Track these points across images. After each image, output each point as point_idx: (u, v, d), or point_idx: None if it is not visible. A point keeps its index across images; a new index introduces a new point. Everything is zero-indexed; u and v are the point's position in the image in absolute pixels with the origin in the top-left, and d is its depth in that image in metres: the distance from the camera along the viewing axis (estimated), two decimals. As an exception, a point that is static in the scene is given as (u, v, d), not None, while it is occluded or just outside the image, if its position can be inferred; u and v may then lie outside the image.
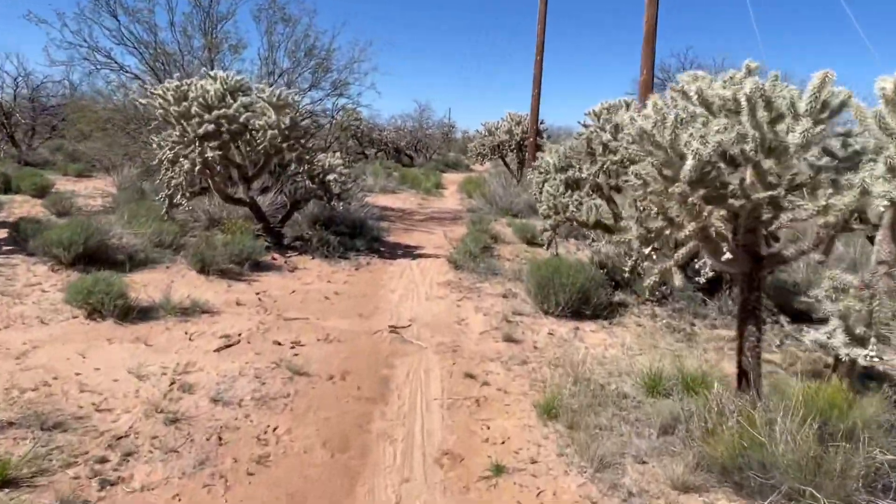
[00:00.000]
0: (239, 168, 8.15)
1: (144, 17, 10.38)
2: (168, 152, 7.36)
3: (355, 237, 9.16)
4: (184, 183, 7.44)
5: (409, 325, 5.65)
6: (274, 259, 7.70)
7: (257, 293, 6.29)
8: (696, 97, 3.24)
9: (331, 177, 8.65)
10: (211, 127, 7.25)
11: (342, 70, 11.89)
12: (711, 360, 4.95)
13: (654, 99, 3.14)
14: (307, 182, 8.62)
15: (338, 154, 8.89)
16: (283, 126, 7.76)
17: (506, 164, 20.20)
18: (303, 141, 8.10)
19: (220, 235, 8.37)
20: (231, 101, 7.64)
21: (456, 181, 23.02)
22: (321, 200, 8.89)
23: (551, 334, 5.52)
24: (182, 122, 7.28)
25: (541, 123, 18.10)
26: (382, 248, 9.26)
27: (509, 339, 5.28)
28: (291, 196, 8.60)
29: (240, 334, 5.03)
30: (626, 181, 4.37)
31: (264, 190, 8.59)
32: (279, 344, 4.88)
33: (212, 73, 7.94)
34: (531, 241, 10.07)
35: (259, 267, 7.24)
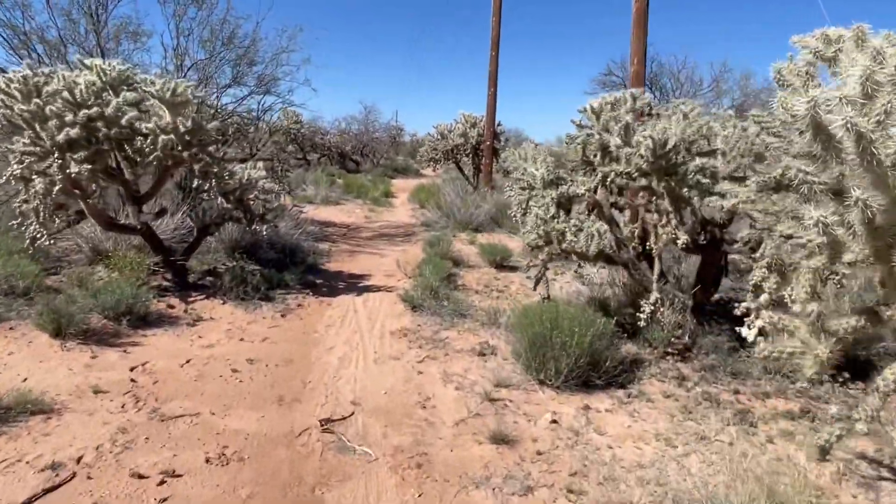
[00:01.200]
0: (125, 185, 6.21)
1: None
2: (15, 167, 5.36)
3: (285, 267, 7.33)
4: (41, 208, 5.46)
5: (352, 415, 3.91)
6: (170, 307, 5.80)
7: (132, 368, 4.41)
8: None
9: (251, 193, 6.81)
10: (75, 132, 5.31)
11: (269, 62, 10.02)
12: (794, 459, 3.41)
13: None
14: (220, 201, 6.74)
15: (260, 165, 7.02)
16: (181, 129, 5.88)
17: (460, 170, 18.61)
18: (210, 149, 6.22)
19: (104, 272, 6.42)
20: (111, 97, 5.72)
21: (406, 188, 21.26)
22: (240, 223, 7.03)
23: (555, 422, 3.87)
24: (34, 124, 5.31)
25: (498, 125, 16.59)
26: (320, 281, 7.46)
27: (499, 437, 3.60)
28: (199, 220, 6.71)
29: (79, 459, 3.17)
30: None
31: (160, 213, 6.65)
32: (140, 477, 3.05)
33: (87, 62, 5.98)
34: (501, 265, 8.44)
35: (146, 321, 5.33)
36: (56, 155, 5.24)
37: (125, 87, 5.93)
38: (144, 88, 5.64)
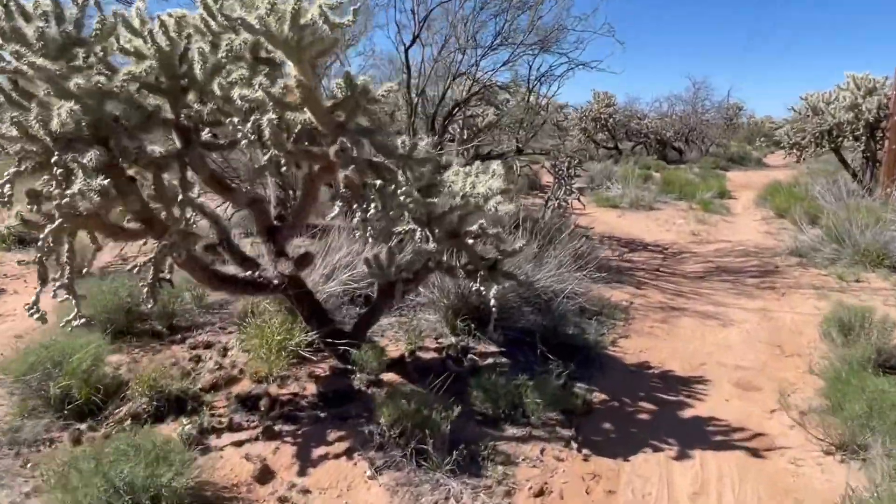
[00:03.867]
0: (254, 206, 3.43)
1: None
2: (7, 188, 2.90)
3: (536, 363, 3.85)
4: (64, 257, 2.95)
5: None
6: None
7: None
8: None
9: (474, 225, 3.48)
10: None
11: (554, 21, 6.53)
12: None
13: None
14: (420, 233, 3.57)
15: (497, 169, 3.59)
16: (322, 100, 2.84)
17: (842, 160, 12.61)
18: (382, 140, 3.04)
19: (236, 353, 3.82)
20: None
21: (748, 185, 15.81)
22: (454, 277, 3.79)
23: None
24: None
25: (924, 89, 10.36)
26: (598, 398, 3.75)
27: None
28: (380, 269, 3.61)
29: None
30: None
31: (302, 260, 3.69)
32: None
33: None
34: None
35: None
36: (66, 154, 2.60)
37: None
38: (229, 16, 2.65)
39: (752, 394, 3.87)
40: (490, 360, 4.03)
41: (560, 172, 7.86)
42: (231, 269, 3.53)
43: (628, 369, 4.18)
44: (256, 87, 2.75)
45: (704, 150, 25.62)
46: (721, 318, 5.36)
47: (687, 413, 3.59)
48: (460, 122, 7.44)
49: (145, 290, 2.98)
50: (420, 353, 4.01)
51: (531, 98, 6.56)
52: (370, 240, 2.98)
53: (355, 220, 2.82)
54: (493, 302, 3.48)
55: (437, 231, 3.56)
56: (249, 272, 3.44)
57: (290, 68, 2.84)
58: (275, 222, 3.50)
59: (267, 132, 2.73)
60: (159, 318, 4.27)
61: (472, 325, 4.34)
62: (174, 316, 4.33)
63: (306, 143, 3.02)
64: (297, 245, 4.58)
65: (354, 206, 2.93)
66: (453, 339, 4.19)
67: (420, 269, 3.66)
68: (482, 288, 3.56)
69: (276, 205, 3.71)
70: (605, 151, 23.73)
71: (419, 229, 3.62)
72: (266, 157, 2.91)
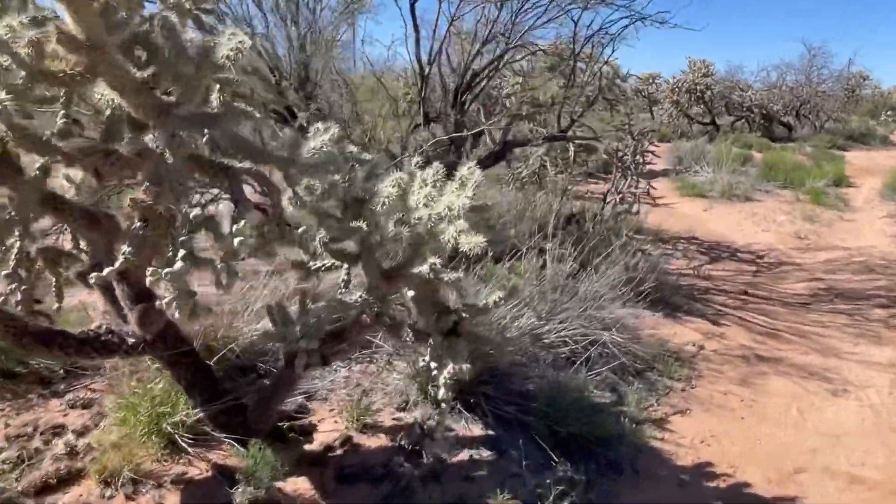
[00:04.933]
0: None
1: None
2: None
3: (534, 462, 2.53)
4: None
5: None
6: None
7: None
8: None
9: (423, 265, 2.19)
10: None
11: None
12: None
13: None
14: (345, 273, 2.31)
15: (469, 171, 2.26)
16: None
17: None
18: (229, 129, 1.81)
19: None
20: None
21: (872, 170, 13.27)
22: (399, 339, 2.51)
23: None
24: None
25: None
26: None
27: None
28: (282, 326, 2.38)
29: None
30: None
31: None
32: None
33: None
34: None
35: None
36: None
37: None
38: None
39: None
40: (465, 455, 2.73)
41: (623, 159, 6.29)
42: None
43: (678, 478, 2.75)
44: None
45: (819, 125, 22.44)
46: (832, 377, 3.76)
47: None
48: (489, 98, 6.01)
49: None
50: (363, 438, 2.78)
51: (576, 63, 5.00)
52: (177, 314, 1.73)
53: (147, 277, 1.59)
54: (441, 394, 2.17)
55: (369, 270, 2.30)
56: (94, 326, 2.32)
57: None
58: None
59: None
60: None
61: (460, 387, 3.05)
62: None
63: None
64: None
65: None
66: (418, 416, 2.92)
67: (348, 328, 2.42)
68: (432, 367, 2.27)
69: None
70: (699, 128, 21.24)
71: (343, 268, 2.37)
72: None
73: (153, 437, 2.55)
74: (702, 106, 21.70)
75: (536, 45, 5.20)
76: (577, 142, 5.87)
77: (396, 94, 5.44)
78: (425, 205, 2.24)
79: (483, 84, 4.88)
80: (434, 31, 4.68)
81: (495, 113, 6.28)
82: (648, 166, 7.55)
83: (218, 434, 2.56)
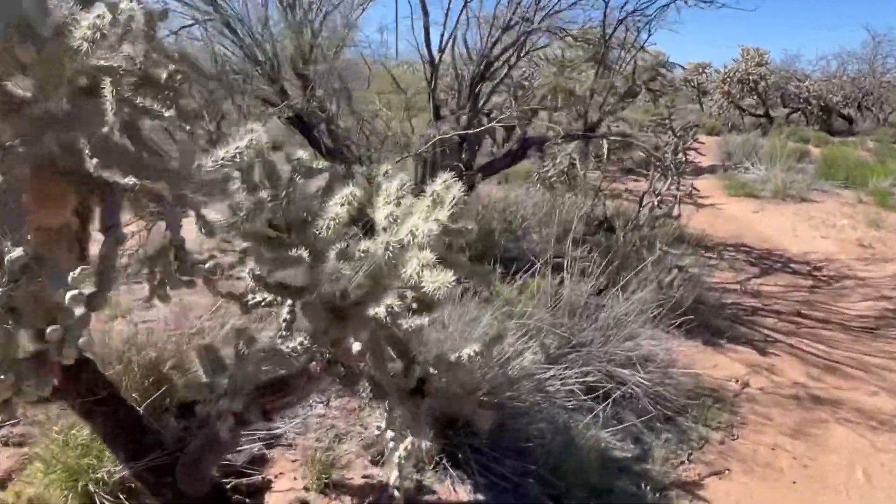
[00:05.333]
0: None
1: None
2: None
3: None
4: None
5: None
6: None
7: None
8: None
9: (380, 307, 1.70)
10: None
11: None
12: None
13: None
14: (288, 312, 1.85)
15: (443, 187, 1.76)
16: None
17: None
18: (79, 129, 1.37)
19: None
20: None
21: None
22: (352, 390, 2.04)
23: None
24: None
25: None
26: None
27: None
28: (212, 373, 1.94)
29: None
30: None
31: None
32: None
33: None
34: None
35: None
36: None
37: None
38: None
39: None
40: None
41: (663, 158, 5.65)
42: None
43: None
44: None
45: (882, 118, 20.95)
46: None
47: None
48: (521, 88, 5.43)
49: None
50: (323, 500, 2.32)
51: (607, 50, 4.34)
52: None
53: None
54: (394, 478, 1.69)
55: (312, 312, 1.83)
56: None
57: None
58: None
59: None
60: None
61: (446, 438, 2.56)
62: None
63: None
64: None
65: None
66: (395, 477, 2.43)
67: (294, 378, 1.95)
68: (388, 437, 1.79)
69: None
70: (752, 120, 20.05)
71: (286, 304, 1.90)
72: None
73: (71, 495, 2.15)
74: (755, 97, 20.46)
75: (565, 30, 4.61)
76: (611, 138, 5.25)
77: (407, 85, 4.94)
78: (384, 228, 1.76)
79: (504, 73, 4.33)
80: (446, 13, 4.17)
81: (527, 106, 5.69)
82: (693, 163, 6.87)
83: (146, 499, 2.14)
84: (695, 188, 6.24)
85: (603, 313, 3.47)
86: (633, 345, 3.27)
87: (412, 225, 1.71)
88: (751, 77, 19.76)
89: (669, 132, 5.64)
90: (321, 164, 1.97)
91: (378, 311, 1.76)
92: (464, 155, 4.47)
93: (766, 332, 4.19)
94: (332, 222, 1.72)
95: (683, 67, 19.79)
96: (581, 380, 2.88)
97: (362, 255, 1.64)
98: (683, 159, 5.80)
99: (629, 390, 2.99)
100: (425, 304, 1.74)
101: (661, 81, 8.81)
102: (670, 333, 3.78)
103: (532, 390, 2.59)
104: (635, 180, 9.62)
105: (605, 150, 5.85)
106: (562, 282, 3.52)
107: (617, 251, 4.56)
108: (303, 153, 1.94)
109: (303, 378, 1.95)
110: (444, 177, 1.80)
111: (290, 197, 1.78)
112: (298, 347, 1.81)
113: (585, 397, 2.88)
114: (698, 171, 10.82)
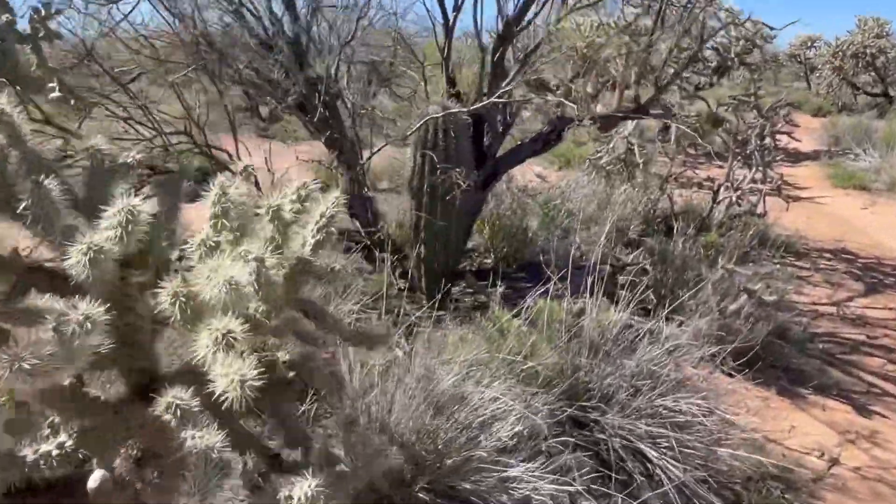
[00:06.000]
0: None
1: None
2: None
3: None
4: None
5: None
6: None
7: None
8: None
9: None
10: None
11: None
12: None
13: None
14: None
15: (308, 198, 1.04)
16: None
17: None
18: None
19: None
20: None
21: None
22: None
23: None
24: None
25: None
26: None
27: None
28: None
29: None
30: None
31: None
32: None
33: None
34: None
35: None
36: None
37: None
38: None
39: None
40: None
41: (745, 143, 4.59)
42: None
43: None
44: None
45: None
46: None
47: None
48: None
49: None
50: None
51: (665, 5, 3.35)
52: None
53: None
54: None
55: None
56: None
57: None
58: None
59: None
60: None
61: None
62: None
63: None
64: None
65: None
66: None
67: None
68: None
69: None
70: (867, 100, 17.74)
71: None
72: None
73: None
74: (871, 73, 18.03)
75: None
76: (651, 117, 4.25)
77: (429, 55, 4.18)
78: (208, 277, 1.05)
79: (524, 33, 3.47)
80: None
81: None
82: (784, 149, 5.69)
83: None
84: (783, 181, 5.10)
85: (638, 351, 2.61)
86: (671, 401, 2.39)
87: (226, 275, 1.00)
88: (868, 50, 17.35)
89: (755, 111, 4.56)
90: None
91: (158, 409, 1.05)
92: (485, 140, 3.66)
93: (871, 379, 3.15)
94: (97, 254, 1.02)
95: (790, 44, 17.75)
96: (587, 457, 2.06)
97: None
98: (772, 145, 4.70)
99: (657, 473, 2.15)
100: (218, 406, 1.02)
101: (759, 55, 7.49)
102: (732, 378, 2.86)
103: (496, 488, 1.80)
104: (720, 166, 8.41)
105: (673, 135, 4.84)
106: (582, 312, 2.65)
107: (672, 261, 3.63)
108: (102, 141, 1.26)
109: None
110: (306, 181, 1.09)
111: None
112: (53, 452, 1.13)
113: (591, 477, 2.06)
114: (797, 157, 9.40)
